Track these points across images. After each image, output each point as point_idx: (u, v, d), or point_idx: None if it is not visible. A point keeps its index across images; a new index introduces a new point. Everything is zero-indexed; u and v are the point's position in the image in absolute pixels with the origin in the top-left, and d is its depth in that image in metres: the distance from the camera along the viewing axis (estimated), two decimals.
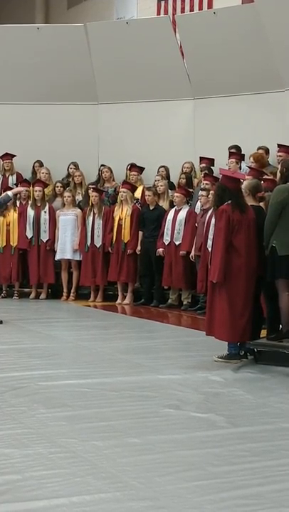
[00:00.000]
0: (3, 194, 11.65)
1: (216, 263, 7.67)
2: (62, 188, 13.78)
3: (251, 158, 12.07)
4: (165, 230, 12.32)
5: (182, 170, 13.55)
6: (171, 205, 12.66)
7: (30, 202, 13.56)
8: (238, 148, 12.80)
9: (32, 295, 13.53)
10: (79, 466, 4.56)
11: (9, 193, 11.44)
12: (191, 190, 12.95)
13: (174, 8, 20.43)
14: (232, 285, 7.67)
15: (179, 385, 6.77)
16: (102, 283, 13.12)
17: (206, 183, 11.86)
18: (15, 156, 14.56)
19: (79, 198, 13.85)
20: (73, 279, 13.38)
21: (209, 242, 10.97)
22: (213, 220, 10.74)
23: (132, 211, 12.75)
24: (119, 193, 12.97)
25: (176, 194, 12.50)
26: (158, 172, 13.52)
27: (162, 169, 13.57)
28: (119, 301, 12.89)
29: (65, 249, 13.26)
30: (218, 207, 7.92)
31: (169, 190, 13.07)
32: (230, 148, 12.76)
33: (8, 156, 14.60)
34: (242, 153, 12.71)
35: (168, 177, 13.51)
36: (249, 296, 7.78)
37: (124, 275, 12.77)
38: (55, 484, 4.24)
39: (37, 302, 13.20)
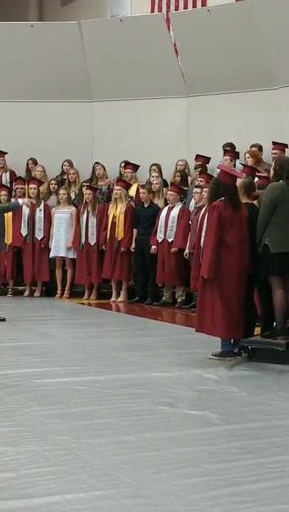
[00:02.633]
0: (14, 201, 11.79)
1: (207, 259, 7.69)
2: (56, 186, 13.78)
3: (247, 154, 12.09)
4: (158, 227, 12.32)
5: (176, 168, 13.55)
6: (167, 203, 12.65)
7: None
8: (232, 146, 12.81)
9: (26, 293, 13.53)
10: (73, 463, 4.56)
11: (20, 200, 11.45)
12: (186, 188, 12.95)
13: (168, 6, 20.37)
14: (224, 282, 7.67)
15: (173, 382, 6.78)
16: (97, 281, 13.13)
17: (201, 180, 11.87)
18: (6, 153, 14.54)
19: (73, 195, 13.84)
20: (67, 277, 13.37)
21: (203, 240, 10.99)
22: (206, 218, 10.77)
23: (126, 209, 12.75)
24: (114, 191, 12.97)
25: (169, 192, 12.50)
26: (150, 170, 13.51)
27: (154, 167, 13.55)
28: (113, 298, 12.89)
29: (59, 247, 13.25)
30: (212, 202, 7.92)
31: (164, 188, 13.07)
32: (224, 145, 12.76)
33: (1, 154, 14.59)
34: (236, 151, 12.72)
35: (160, 175, 13.50)
36: (241, 293, 7.79)
37: (118, 273, 12.77)
38: (49, 482, 4.24)
39: (31, 300, 13.20)
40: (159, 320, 11.09)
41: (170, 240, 12.19)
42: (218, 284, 7.67)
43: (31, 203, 12.12)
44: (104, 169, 13.98)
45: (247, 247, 7.80)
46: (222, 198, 7.80)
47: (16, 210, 12.49)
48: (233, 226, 7.72)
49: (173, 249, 12.10)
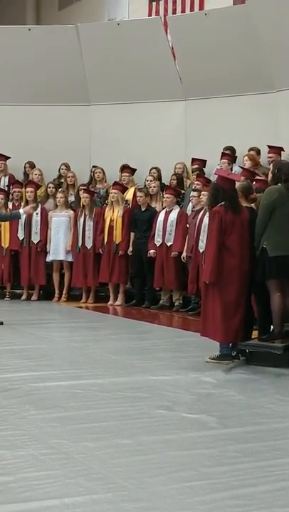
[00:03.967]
0: (16, 211, 11.80)
1: (209, 264, 7.71)
2: (54, 189, 13.77)
3: (246, 157, 12.10)
4: (156, 231, 12.31)
5: (174, 171, 13.55)
6: (164, 206, 12.65)
7: (22, 203, 13.55)
8: (232, 149, 12.81)
9: (23, 296, 13.51)
10: (71, 467, 4.55)
11: (21, 211, 11.39)
12: (183, 191, 12.95)
13: (166, 9, 20.44)
14: (225, 285, 7.68)
15: (171, 385, 6.77)
16: (93, 284, 13.11)
17: (198, 183, 11.88)
18: (9, 158, 14.54)
19: (71, 199, 13.85)
20: (65, 280, 13.36)
21: (201, 244, 11.00)
22: (204, 221, 10.79)
23: (124, 212, 12.74)
24: (110, 194, 12.97)
25: (166, 195, 12.48)
26: (150, 173, 13.51)
27: (154, 170, 13.56)
28: (110, 302, 12.88)
29: (58, 250, 13.25)
30: (212, 207, 7.94)
31: (161, 192, 13.07)
32: (225, 148, 12.77)
33: (2, 158, 14.58)
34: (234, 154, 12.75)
35: (160, 178, 13.51)
36: (242, 297, 7.80)
37: (115, 276, 12.76)
38: (46, 485, 4.24)
39: (29, 303, 13.19)
40: (156, 323, 11.08)
41: (169, 244, 12.19)
42: (219, 288, 7.69)
43: (32, 208, 11.98)
44: (104, 173, 13.99)
45: (247, 251, 7.81)
46: (222, 203, 7.81)
47: (17, 219, 12.44)
48: (234, 230, 7.73)
49: (173, 253, 12.08)
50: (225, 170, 11.03)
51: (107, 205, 13.14)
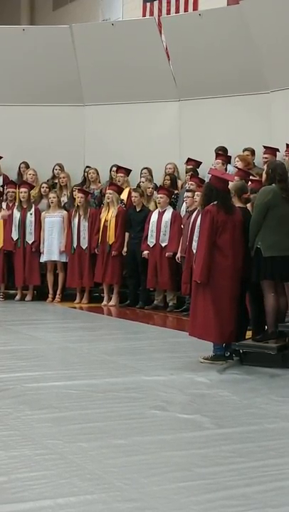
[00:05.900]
0: None
1: (200, 263, 7.70)
2: (48, 190, 13.75)
3: (237, 158, 12.12)
4: (149, 231, 12.29)
5: (165, 171, 13.54)
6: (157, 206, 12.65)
7: (16, 203, 13.53)
8: (224, 150, 12.83)
9: (17, 297, 13.50)
10: (65, 467, 4.55)
11: None
12: (176, 191, 12.95)
13: (160, 10, 20.42)
14: (217, 285, 7.68)
15: (165, 386, 6.77)
16: (89, 284, 13.10)
17: (192, 184, 11.87)
18: (1, 157, 14.53)
19: (64, 199, 13.83)
20: (59, 280, 13.35)
21: (194, 244, 10.99)
22: (198, 222, 10.77)
23: (118, 213, 12.73)
24: (106, 195, 12.95)
25: (159, 195, 12.48)
26: (141, 174, 13.51)
27: (145, 171, 13.55)
28: (104, 302, 12.88)
29: (52, 251, 13.23)
30: (205, 206, 7.93)
31: (154, 192, 13.07)
32: (217, 149, 12.78)
33: None
34: (228, 155, 12.74)
35: (151, 178, 13.49)
36: (234, 297, 7.80)
37: (108, 276, 12.75)
38: (40, 486, 4.23)
39: (22, 304, 13.17)
40: (150, 324, 11.08)
41: (163, 245, 12.17)
42: (210, 288, 7.68)
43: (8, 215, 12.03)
44: (98, 173, 13.98)
45: (240, 251, 7.81)
46: (214, 202, 7.81)
47: None
48: (226, 230, 7.72)
49: (168, 253, 12.07)
50: (219, 170, 11.03)
51: (103, 205, 13.12)
